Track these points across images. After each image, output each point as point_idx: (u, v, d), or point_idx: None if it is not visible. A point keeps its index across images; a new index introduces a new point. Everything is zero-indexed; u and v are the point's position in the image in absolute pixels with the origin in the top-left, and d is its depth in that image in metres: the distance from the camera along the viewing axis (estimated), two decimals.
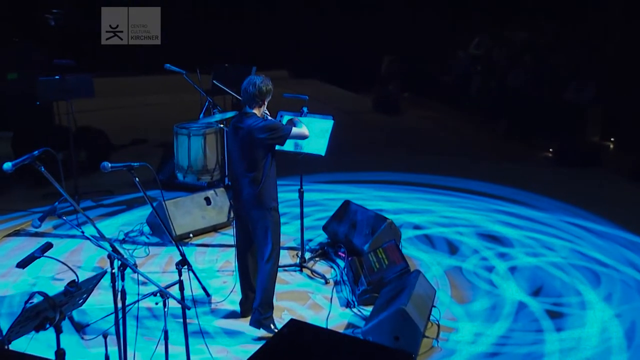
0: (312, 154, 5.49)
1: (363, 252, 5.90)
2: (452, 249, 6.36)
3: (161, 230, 6.51)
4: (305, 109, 5.66)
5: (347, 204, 6.54)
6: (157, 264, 6.05)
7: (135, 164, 3.99)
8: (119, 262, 3.72)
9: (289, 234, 6.50)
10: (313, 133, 5.35)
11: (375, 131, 11.21)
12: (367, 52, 14.16)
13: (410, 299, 4.73)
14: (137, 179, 3.95)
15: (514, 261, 6.09)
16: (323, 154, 5.50)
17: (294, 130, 4.81)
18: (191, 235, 6.57)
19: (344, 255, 6.11)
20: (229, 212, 6.86)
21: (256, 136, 4.59)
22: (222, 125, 6.83)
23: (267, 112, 4.83)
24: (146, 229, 6.72)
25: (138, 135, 10.36)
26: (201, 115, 7.02)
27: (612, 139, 10.25)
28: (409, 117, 12.44)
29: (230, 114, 6.76)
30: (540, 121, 10.64)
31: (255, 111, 4.70)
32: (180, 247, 4.16)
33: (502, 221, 7.02)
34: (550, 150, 10.07)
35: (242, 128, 4.65)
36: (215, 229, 6.80)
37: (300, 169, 5.72)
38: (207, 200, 6.83)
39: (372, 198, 7.65)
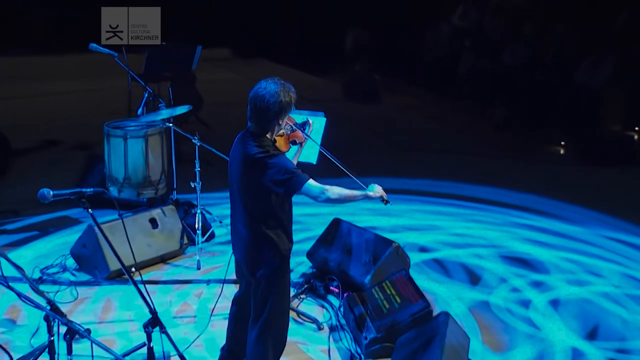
0: (300, 162, 4.90)
1: (364, 287, 5.44)
2: (473, 277, 5.98)
3: (91, 263, 5.87)
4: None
5: (337, 223, 6.02)
6: (90, 311, 5.39)
7: (88, 190, 3.55)
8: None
9: None
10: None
11: (350, 125, 10.70)
12: (329, 25, 13.87)
13: (443, 353, 4.21)
14: (90, 210, 3.49)
15: (554, 292, 5.71)
16: (314, 161, 4.96)
17: (311, 184, 3.90)
18: (134, 269, 5.81)
19: (337, 290, 5.61)
20: (181, 237, 6.26)
21: (260, 174, 3.87)
22: (170, 124, 6.18)
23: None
24: (70, 262, 6.06)
25: (46, 134, 9.62)
26: (140, 110, 6.42)
27: (637, 128, 10.06)
28: (386, 106, 12.07)
29: (182, 110, 6.18)
30: (546, 108, 10.45)
31: (267, 135, 3.95)
32: (148, 298, 3.57)
33: (528, 238, 6.68)
34: (562, 143, 9.86)
35: (243, 156, 3.93)
36: (163, 259, 6.19)
37: None
38: (153, 223, 6.16)
39: (359, 212, 7.15)
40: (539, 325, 5.21)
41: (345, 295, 5.49)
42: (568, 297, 5.61)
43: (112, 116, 6.90)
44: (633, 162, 8.88)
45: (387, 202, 4.24)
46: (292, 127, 4.39)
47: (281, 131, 4.10)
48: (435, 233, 6.79)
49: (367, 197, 4.15)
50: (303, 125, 4.53)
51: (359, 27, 14.17)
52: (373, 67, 13.47)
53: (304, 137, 4.51)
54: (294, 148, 4.44)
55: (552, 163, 9.29)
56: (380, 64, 13.45)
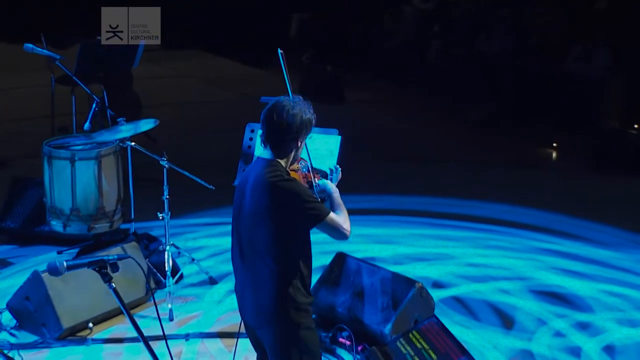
0: None
1: (384, 338, 5.22)
2: (505, 319, 5.82)
3: (37, 320, 5.49)
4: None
5: (341, 258, 5.78)
6: None
7: (111, 257, 3.38)
8: None
9: None
10: (317, 155, 4.50)
11: None
12: (270, 9, 13.75)
13: None
14: (114, 285, 3.31)
15: (605, 336, 5.59)
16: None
17: (333, 217, 3.79)
18: (91, 325, 5.56)
19: (349, 343, 5.38)
20: (148, 281, 5.92)
21: (273, 201, 3.69)
22: (132, 143, 5.81)
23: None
24: (6, 317, 5.66)
25: None
26: (87, 125, 6.09)
27: (636, 126, 10.16)
28: (345, 104, 11.94)
29: (147, 125, 5.83)
30: (534, 103, 10.51)
31: (282, 161, 3.78)
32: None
33: (558, 267, 6.58)
34: (555, 145, 9.91)
35: (257, 185, 3.74)
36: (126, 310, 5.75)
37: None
38: (113, 265, 5.69)
39: (353, 239, 6.86)
40: None
41: (360, 348, 5.28)
42: (624, 342, 5.50)
43: (26, 123, 6.69)
44: None
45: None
46: (307, 166, 4.15)
47: (295, 165, 3.97)
48: (447, 263, 6.64)
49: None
50: (330, 173, 4.29)
51: (304, 12, 14.06)
52: (322, 58, 13.35)
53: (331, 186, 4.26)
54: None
55: (551, 170, 9.31)
56: (331, 53, 13.34)
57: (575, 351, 5.40)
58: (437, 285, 6.26)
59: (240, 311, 3.92)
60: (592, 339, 5.54)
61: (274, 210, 3.67)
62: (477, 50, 11.79)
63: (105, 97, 8.48)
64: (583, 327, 5.70)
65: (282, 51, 4.41)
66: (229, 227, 7.40)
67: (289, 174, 3.82)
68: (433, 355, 4.87)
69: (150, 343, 5.41)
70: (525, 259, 6.72)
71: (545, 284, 6.30)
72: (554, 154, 9.91)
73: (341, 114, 10.69)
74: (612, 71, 10.51)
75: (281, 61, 4.34)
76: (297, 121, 3.71)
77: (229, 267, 6.27)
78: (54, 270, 3.25)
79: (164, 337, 4.00)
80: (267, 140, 3.76)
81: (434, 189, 8.29)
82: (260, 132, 5.13)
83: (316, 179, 4.03)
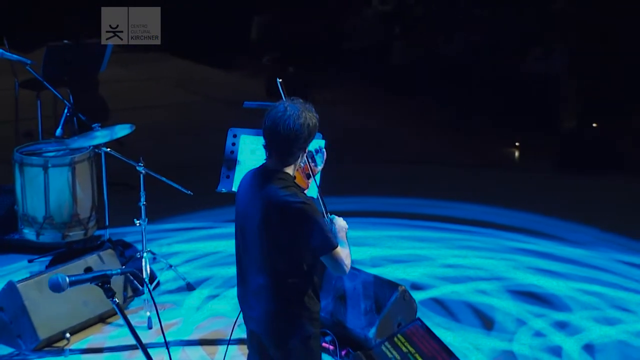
0: None
1: (368, 342, 5.18)
2: (485, 320, 5.81)
3: (12, 331, 5.34)
4: None
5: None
6: None
7: (114, 271, 3.21)
8: None
9: (229, 315, 5.61)
10: None
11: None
12: (231, 10, 13.59)
13: None
14: (116, 300, 3.17)
15: (584, 335, 5.59)
16: (315, 195, 4.60)
17: (339, 251, 3.65)
18: (68, 336, 5.41)
19: (332, 347, 5.34)
20: (125, 289, 5.80)
21: (292, 225, 3.58)
22: (107, 149, 5.69)
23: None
24: None
25: None
26: (59, 131, 5.97)
27: (594, 124, 10.33)
28: (312, 104, 11.84)
29: (123, 131, 5.70)
30: (496, 103, 10.54)
31: (288, 169, 3.66)
32: None
33: (534, 267, 6.58)
34: (517, 144, 10.00)
35: (267, 200, 3.61)
36: (102, 319, 5.68)
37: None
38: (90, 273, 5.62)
39: None
40: None
41: (344, 353, 5.25)
42: (602, 341, 5.51)
43: None
44: (619, 167, 9.00)
45: None
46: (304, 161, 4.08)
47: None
48: (423, 265, 6.60)
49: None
50: (315, 154, 4.24)
51: (263, 12, 13.95)
52: (285, 59, 13.28)
53: (317, 168, 4.22)
54: (312, 182, 4.16)
55: (519, 169, 9.35)
56: (294, 55, 13.25)
57: (556, 351, 5.40)
58: (416, 287, 6.22)
59: (245, 320, 3.83)
60: (571, 338, 5.55)
61: (285, 229, 3.58)
62: (438, 50, 11.86)
63: (72, 101, 8.40)
64: (562, 326, 5.71)
65: (280, 80, 4.32)
66: (204, 232, 7.37)
67: (295, 180, 3.75)
68: (419, 359, 4.85)
69: (129, 353, 5.44)
70: (500, 259, 6.71)
71: (522, 284, 6.30)
72: (517, 154, 9.96)
73: (321, 116, 10.68)
74: (571, 71, 10.67)
75: (280, 90, 4.26)
76: (305, 131, 3.59)
77: (206, 273, 6.35)
78: (56, 286, 3.13)
79: (166, 344, 3.95)
80: (273, 151, 3.63)
81: (404, 190, 8.26)
82: (243, 137, 5.15)
83: (327, 215, 3.92)
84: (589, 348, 5.44)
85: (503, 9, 11.61)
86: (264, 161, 3.70)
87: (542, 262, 6.67)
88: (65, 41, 7.79)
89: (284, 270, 3.64)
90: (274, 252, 3.64)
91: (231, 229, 7.18)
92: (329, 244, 3.59)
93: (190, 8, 13.85)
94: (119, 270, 3.29)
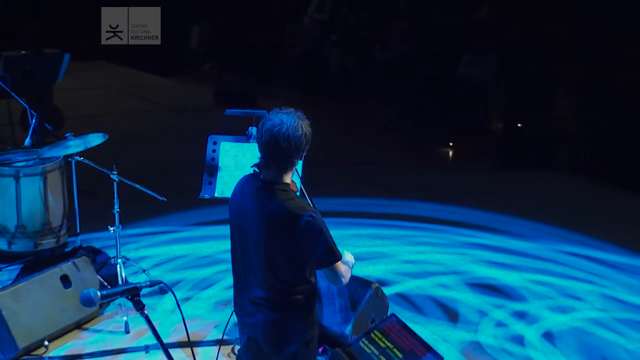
0: None
1: (345, 339, 5.25)
2: (450, 313, 6.01)
3: None
4: (252, 131, 5.01)
5: None
6: None
7: (143, 283, 3.26)
8: None
9: (204, 317, 5.80)
10: None
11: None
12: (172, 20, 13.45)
13: None
14: (146, 312, 3.21)
15: (542, 323, 5.85)
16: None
17: (340, 264, 3.72)
18: (46, 344, 5.38)
19: None
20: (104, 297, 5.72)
21: (296, 236, 3.59)
22: (80, 158, 5.67)
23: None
24: None
25: None
26: (28, 141, 5.91)
27: (519, 124, 10.73)
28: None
29: (97, 140, 5.68)
30: (431, 107, 10.85)
31: (286, 179, 3.69)
32: None
33: (487, 260, 6.84)
34: (451, 144, 10.30)
35: (273, 211, 3.62)
36: (79, 325, 5.67)
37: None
38: (65, 281, 5.58)
39: None
40: None
41: (321, 350, 5.25)
42: (560, 329, 5.77)
43: None
44: (548, 164, 9.40)
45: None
46: None
47: None
48: (385, 262, 6.76)
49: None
50: None
51: (203, 22, 13.88)
52: (226, 67, 13.33)
53: None
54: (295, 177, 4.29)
55: (457, 169, 9.66)
56: (235, 63, 13.31)
57: (519, 339, 5.62)
58: (381, 283, 6.18)
59: (241, 326, 3.86)
60: (530, 327, 5.79)
61: (292, 241, 3.61)
62: (374, 57, 12.04)
63: (29, 111, 8.22)
64: (521, 316, 5.94)
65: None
66: (172, 236, 7.38)
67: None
68: (398, 354, 4.89)
69: (110, 358, 5.45)
70: (455, 254, 6.92)
71: (478, 277, 6.52)
72: (451, 154, 10.29)
73: (251, 123, 10.72)
74: (498, 75, 11.02)
75: None
76: (303, 142, 3.66)
77: (177, 276, 6.42)
78: (88, 301, 3.08)
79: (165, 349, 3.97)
80: (272, 163, 3.64)
81: (349, 191, 8.41)
82: (223, 143, 5.22)
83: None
84: (548, 336, 5.68)
85: (432, 19, 11.87)
86: (257, 171, 3.68)
87: (493, 255, 6.93)
88: (23, 52, 7.60)
89: (287, 280, 3.67)
90: (279, 262, 3.65)
91: (197, 232, 7.32)
92: (335, 256, 3.65)
93: None
94: (148, 282, 3.33)
